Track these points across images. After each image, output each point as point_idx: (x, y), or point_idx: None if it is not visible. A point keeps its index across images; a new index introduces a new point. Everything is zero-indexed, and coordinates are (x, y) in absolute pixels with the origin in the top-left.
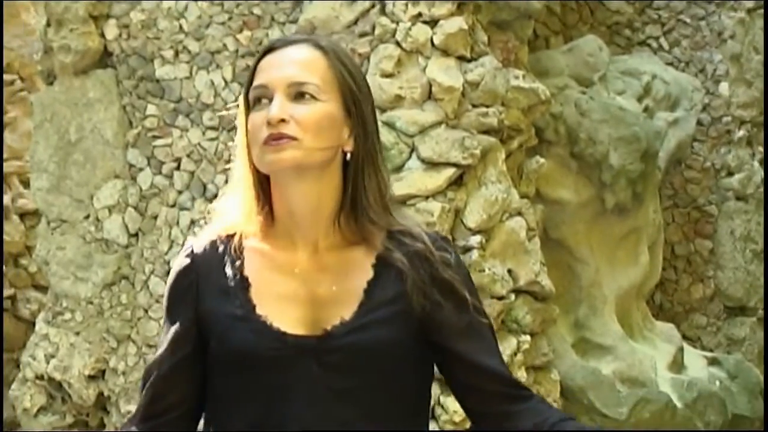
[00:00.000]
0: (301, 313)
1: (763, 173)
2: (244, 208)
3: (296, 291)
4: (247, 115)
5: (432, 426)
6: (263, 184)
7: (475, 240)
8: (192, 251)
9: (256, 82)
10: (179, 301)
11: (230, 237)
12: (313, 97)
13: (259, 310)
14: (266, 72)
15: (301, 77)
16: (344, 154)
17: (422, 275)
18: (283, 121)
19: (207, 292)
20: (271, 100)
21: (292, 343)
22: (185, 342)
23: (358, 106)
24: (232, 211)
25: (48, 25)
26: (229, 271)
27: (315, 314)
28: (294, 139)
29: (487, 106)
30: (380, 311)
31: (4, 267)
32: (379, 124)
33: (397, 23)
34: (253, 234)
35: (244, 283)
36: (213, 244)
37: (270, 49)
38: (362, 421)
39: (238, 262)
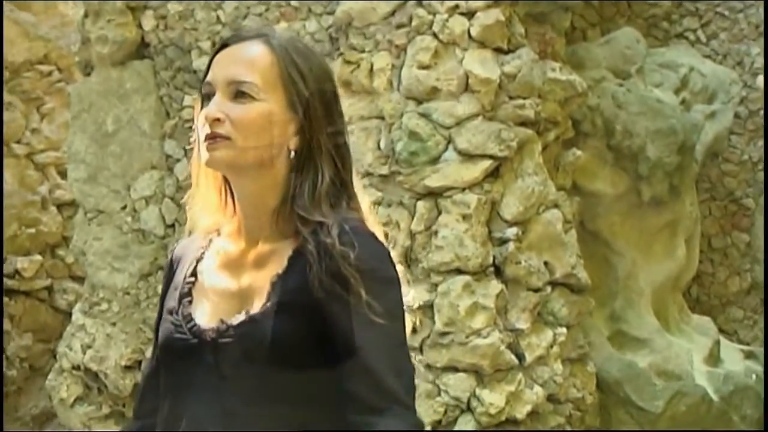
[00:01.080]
0: (226, 307)
1: None
2: (208, 205)
3: (229, 285)
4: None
5: (467, 418)
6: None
7: (511, 232)
8: (174, 251)
9: (205, 79)
10: (160, 299)
11: (209, 233)
12: (250, 96)
13: (191, 306)
14: (213, 69)
15: (240, 76)
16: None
17: (324, 268)
18: (218, 120)
19: (170, 290)
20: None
21: (196, 334)
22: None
23: (304, 104)
24: (200, 209)
25: (86, 16)
26: (187, 268)
27: (232, 307)
28: (227, 138)
29: (524, 98)
30: (281, 302)
31: (43, 257)
32: (409, 115)
33: (434, 15)
34: (225, 230)
35: (192, 279)
36: (192, 242)
37: (223, 45)
38: (248, 409)
39: (196, 260)
